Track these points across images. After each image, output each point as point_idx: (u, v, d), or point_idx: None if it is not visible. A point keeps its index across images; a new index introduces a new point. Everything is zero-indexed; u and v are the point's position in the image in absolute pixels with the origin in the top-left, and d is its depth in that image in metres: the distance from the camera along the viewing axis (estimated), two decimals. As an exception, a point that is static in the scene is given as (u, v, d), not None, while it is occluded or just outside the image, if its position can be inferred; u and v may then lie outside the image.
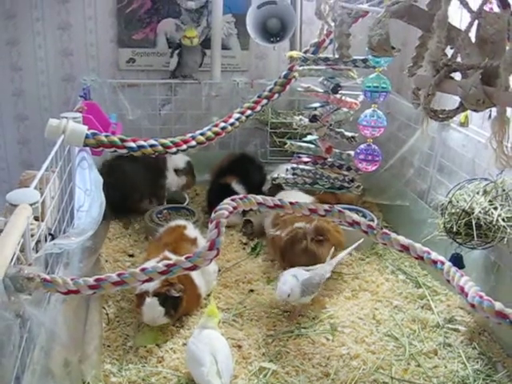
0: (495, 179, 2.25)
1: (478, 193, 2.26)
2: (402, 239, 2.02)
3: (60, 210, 2.15)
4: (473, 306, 1.65)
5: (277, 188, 2.98)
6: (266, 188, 3.47)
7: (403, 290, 2.63)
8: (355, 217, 2.15)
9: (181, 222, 2.76)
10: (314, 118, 2.42)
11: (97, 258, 2.62)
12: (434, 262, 1.91)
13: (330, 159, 2.56)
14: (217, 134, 2.40)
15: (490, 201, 2.20)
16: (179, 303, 2.23)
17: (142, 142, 2.19)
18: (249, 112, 2.53)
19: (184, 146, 2.30)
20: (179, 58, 3.51)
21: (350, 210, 2.31)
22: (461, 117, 2.66)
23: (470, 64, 1.49)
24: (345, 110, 2.52)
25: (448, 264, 1.87)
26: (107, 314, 2.35)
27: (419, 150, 3.02)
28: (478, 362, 2.15)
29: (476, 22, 1.47)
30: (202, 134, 2.36)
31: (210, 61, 3.61)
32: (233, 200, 1.95)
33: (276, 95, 2.59)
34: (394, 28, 1.71)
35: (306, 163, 2.60)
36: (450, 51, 1.57)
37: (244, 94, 3.59)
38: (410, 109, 3.03)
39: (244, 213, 3.09)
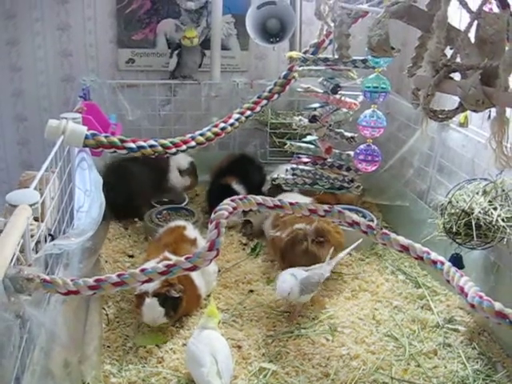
0: (495, 179, 2.24)
1: (477, 193, 2.25)
2: (402, 239, 2.02)
3: (60, 210, 2.15)
4: (472, 306, 1.66)
5: (276, 188, 2.98)
6: (265, 188, 3.46)
7: (403, 291, 2.63)
8: (355, 217, 2.15)
9: (180, 222, 2.76)
10: (313, 119, 2.42)
11: (97, 258, 2.61)
12: (434, 263, 1.91)
13: (329, 160, 2.56)
14: (216, 134, 2.40)
15: (489, 201, 2.20)
16: (179, 304, 2.23)
17: (141, 143, 2.20)
18: (248, 112, 2.53)
19: (183, 147, 2.30)
20: (179, 59, 3.51)
21: (349, 210, 2.32)
22: (460, 117, 2.65)
23: (469, 64, 1.49)
24: (344, 110, 2.52)
25: (448, 264, 1.87)
26: (107, 315, 2.35)
27: (419, 151, 3.02)
28: (477, 362, 2.15)
29: (475, 22, 1.47)
30: (201, 135, 2.37)
31: (209, 61, 3.61)
32: (232, 200, 1.95)
33: (276, 96, 2.60)
34: (393, 28, 1.71)
35: (305, 164, 2.60)
36: (449, 51, 1.57)
37: (244, 94, 3.58)
38: (409, 109, 3.04)
39: (244, 213, 3.09)
